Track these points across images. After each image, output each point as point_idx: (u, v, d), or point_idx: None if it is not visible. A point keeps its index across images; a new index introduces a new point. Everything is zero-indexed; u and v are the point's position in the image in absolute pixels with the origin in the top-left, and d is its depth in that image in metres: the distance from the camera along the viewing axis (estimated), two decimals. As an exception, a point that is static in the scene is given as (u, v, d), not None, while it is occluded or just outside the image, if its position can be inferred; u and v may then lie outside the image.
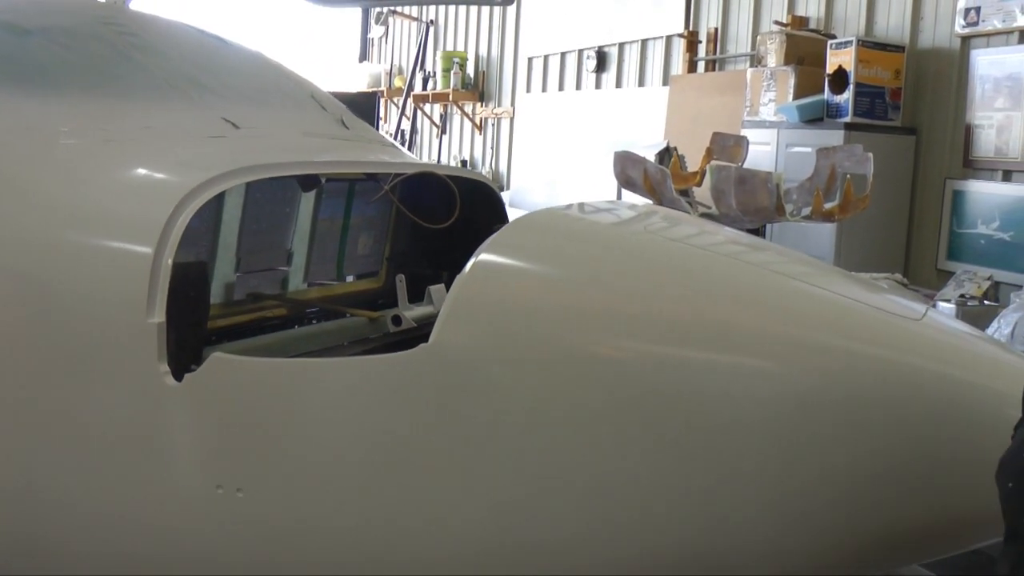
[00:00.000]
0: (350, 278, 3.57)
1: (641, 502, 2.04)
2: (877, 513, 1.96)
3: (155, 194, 2.53)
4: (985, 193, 5.69)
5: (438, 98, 11.82)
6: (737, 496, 2.00)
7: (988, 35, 5.66)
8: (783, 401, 1.96)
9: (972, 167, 5.77)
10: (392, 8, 13.05)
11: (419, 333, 2.82)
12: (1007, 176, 5.57)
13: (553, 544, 2.11)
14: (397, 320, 3.05)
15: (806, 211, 4.59)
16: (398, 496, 2.20)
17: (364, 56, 14.49)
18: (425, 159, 11.70)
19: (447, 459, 2.12)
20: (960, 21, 5.79)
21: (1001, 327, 4.57)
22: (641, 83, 8.90)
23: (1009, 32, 5.52)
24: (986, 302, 5.15)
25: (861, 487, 1.95)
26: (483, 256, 2.16)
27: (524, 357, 2.07)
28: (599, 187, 7.82)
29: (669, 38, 8.53)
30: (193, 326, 2.54)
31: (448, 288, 3.07)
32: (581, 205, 2.58)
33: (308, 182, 3.07)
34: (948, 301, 5.10)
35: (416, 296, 3.20)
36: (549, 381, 2.05)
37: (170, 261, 2.34)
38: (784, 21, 7.00)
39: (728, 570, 2.07)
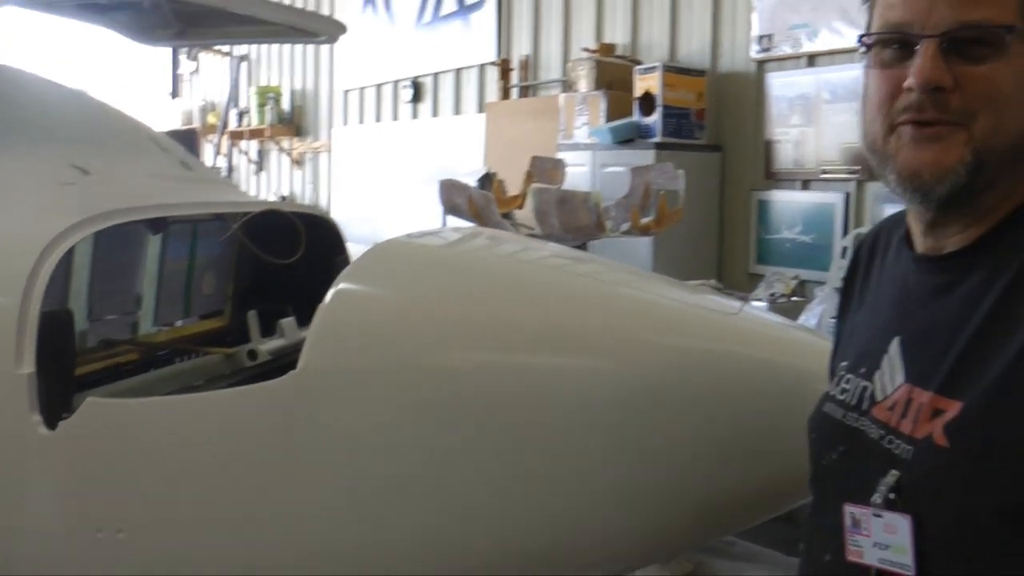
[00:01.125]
0: (196, 318, 3.61)
1: (497, 498, 2.20)
2: (711, 485, 2.16)
3: (16, 244, 2.55)
4: (787, 201, 6.09)
5: (254, 134, 11.66)
6: (583, 485, 2.17)
7: (780, 59, 6.07)
8: (621, 394, 2.15)
9: (774, 178, 6.14)
10: (203, 44, 12.88)
11: (276, 365, 2.92)
12: (805, 185, 5.97)
13: (416, 545, 2.24)
14: (252, 354, 3.13)
15: (625, 227, 4.79)
16: (282, 521, 2.28)
17: (175, 92, 14.18)
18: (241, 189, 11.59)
19: (325, 480, 2.23)
20: (755, 47, 6.19)
21: (808, 318, 4.95)
22: (457, 111, 9.09)
23: (798, 57, 5.95)
24: (794, 298, 5.52)
25: (693, 464, 2.16)
26: (342, 284, 2.28)
27: (387, 374, 2.20)
28: (422, 216, 7.94)
29: (482, 66, 8.73)
30: (62, 374, 2.56)
31: (297, 321, 3.22)
32: (428, 232, 2.75)
33: (157, 224, 3.13)
34: (760, 300, 5.43)
35: (264, 331, 3.27)
36: (413, 394, 2.18)
37: (37, 310, 2.37)
38: (593, 48, 7.24)
39: (579, 555, 2.25)
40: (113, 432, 2.36)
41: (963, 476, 1.27)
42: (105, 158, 3.20)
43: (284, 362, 2.92)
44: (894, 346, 1.46)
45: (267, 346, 3.14)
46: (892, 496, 1.34)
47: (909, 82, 1.33)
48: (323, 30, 4.17)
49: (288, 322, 3.19)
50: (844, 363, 1.60)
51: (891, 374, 1.45)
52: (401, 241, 2.56)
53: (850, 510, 1.40)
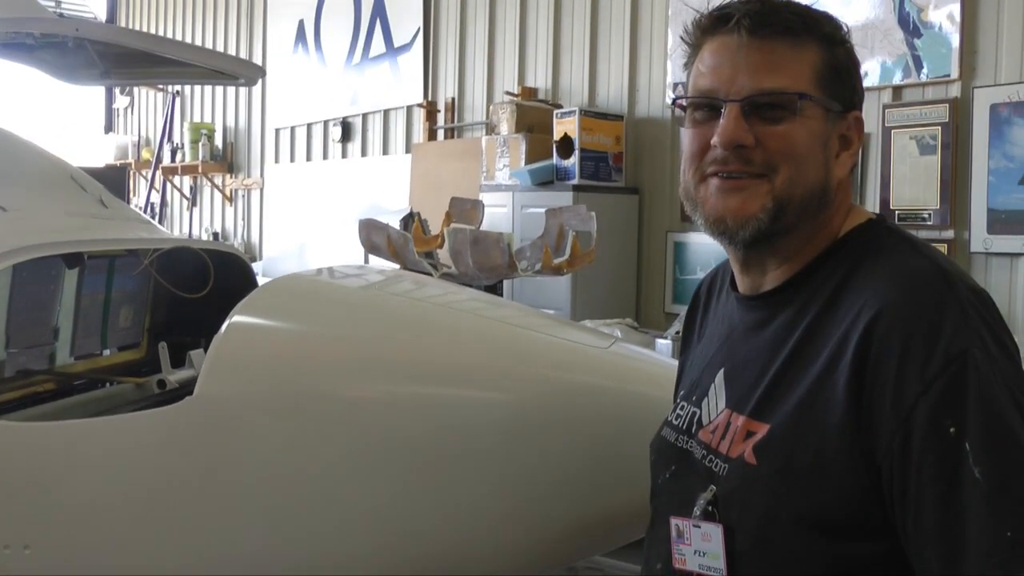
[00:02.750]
0: (113, 350, 3.70)
1: (387, 523, 2.33)
2: (585, 506, 2.33)
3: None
4: (701, 243, 6.26)
5: (187, 170, 11.68)
6: (472, 508, 2.31)
7: (694, 105, 6.24)
8: (503, 423, 2.31)
9: (689, 221, 6.27)
10: (136, 81, 12.85)
11: (181, 393, 3.02)
12: (719, 228, 6.13)
13: (301, 563, 2.35)
14: (162, 384, 3.22)
15: (538, 266, 4.89)
16: (176, 540, 2.38)
17: (109, 127, 14.14)
18: (177, 232, 11.60)
19: (216, 501, 2.34)
20: (670, 94, 6.38)
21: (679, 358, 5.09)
22: (385, 151, 9.21)
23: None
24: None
25: (569, 486, 2.32)
26: (236, 318, 2.41)
27: (275, 403, 2.33)
28: (348, 253, 8.02)
29: (410, 108, 8.86)
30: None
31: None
32: (322, 270, 2.89)
33: (73, 260, 3.23)
34: (666, 338, 5.59)
35: (178, 362, 3.37)
36: (298, 423, 2.31)
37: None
38: (515, 92, 7.44)
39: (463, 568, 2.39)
40: (20, 454, 2.43)
41: (767, 489, 1.44)
42: (24, 195, 3.27)
43: (190, 390, 3.03)
44: (720, 376, 1.64)
45: (176, 376, 3.23)
46: (709, 508, 1.51)
47: (715, 140, 1.52)
48: (242, 73, 4.29)
49: (197, 353, 3.28)
50: (681, 391, 1.81)
51: (716, 401, 1.63)
52: (297, 276, 2.69)
53: (675, 522, 1.57)
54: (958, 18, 4.92)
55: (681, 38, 1.67)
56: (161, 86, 11.82)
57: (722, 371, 1.65)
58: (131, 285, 3.64)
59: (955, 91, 4.95)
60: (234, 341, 2.39)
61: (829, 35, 1.56)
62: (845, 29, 1.60)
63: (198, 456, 2.34)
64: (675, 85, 6.32)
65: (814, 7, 1.61)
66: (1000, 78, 4.80)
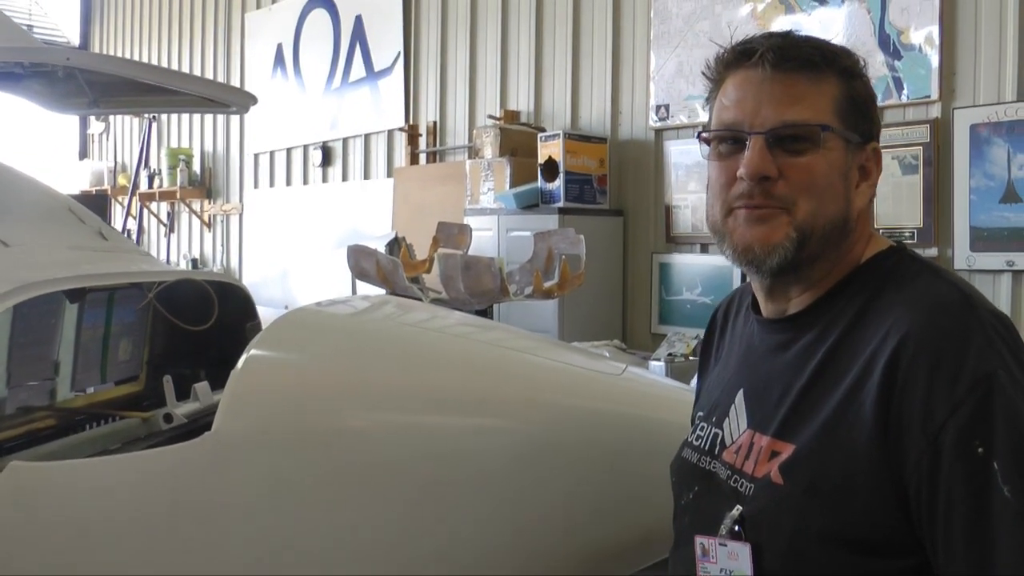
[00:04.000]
0: (112, 383, 3.67)
1: (402, 553, 2.33)
2: (598, 531, 2.34)
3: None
4: (687, 264, 6.31)
5: (165, 196, 11.64)
6: (492, 537, 2.32)
7: (677, 128, 6.33)
8: (517, 450, 2.31)
9: (674, 242, 6.37)
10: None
11: (191, 427, 3.01)
12: (704, 248, 6.19)
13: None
14: (168, 418, 3.20)
15: (528, 290, 4.89)
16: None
17: (84, 153, 14.07)
18: (160, 260, 11.53)
19: (237, 540, 2.32)
20: (653, 116, 6.44)
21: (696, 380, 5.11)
22: (366, 176, 9.21)
23: (694, 126, 6.16)
24: (692, 357, 5.71)
25: (585, 513, 2.33)
26: (253, 352, 2.40)
27: (296, 437, 2.32)
28: (332, 279, 8.02)
29: (391, 132, 8.88)
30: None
31: (211, 384, 3.32)
32: (336, 301, 2.89)
33: (75, 294, 3.22)
34: (658, 360, 5.61)
35: (178, 395, 3.35)
36: (322, 456, 2.31)
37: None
38: (497, 115, 7.45)
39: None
40: (37, 494, 2.41)
41: (794, 508, 1.47)
42: (25, 230, 3.27)
43: (198, 425, 3.01)
44: (739, 397, 1.68)
45: (182, 410, 3.22)
46: (736, 528, 1.54)
47: (741, 172, 1.56)
48: (234, 101, 4.29)
49: (202, 386, 3.28)
50: (700, 413, 1.84)
51: (737, 422, 1.67)
52: (310, 309, 2.69)
53: (700, 541, 1.60)
54: (937, 40, 4.99)
55: (703, 73, 1.71)
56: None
57: (742, 391, 1.69)
58: (130, 318, 3.63)
59: (936, 112, 5.01)
60: (252, 375, 2.38)
61: (848, 68, 1.61)
62: (862, 63, 1.64)
63: (218, 494, 2.33)
64: (657, 107, 6.37)
65: (831, 41, 1.65)
66: (979, 99, 4.87)
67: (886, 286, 1.56)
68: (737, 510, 1.55)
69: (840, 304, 1.58)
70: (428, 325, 2.82)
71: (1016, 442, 1.33)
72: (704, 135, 1.67)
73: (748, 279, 1.75)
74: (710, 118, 1.69)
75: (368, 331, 2.69)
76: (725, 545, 1.55)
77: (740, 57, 1.61)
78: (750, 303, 1.78)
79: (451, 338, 2.74)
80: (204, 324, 3.34)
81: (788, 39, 1.61)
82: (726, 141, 1.62)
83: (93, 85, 4.14)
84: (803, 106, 1.55)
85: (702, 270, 6.20)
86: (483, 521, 2.31)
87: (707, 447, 1.73)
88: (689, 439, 1.82)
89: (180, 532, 2.34)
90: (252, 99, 4.30)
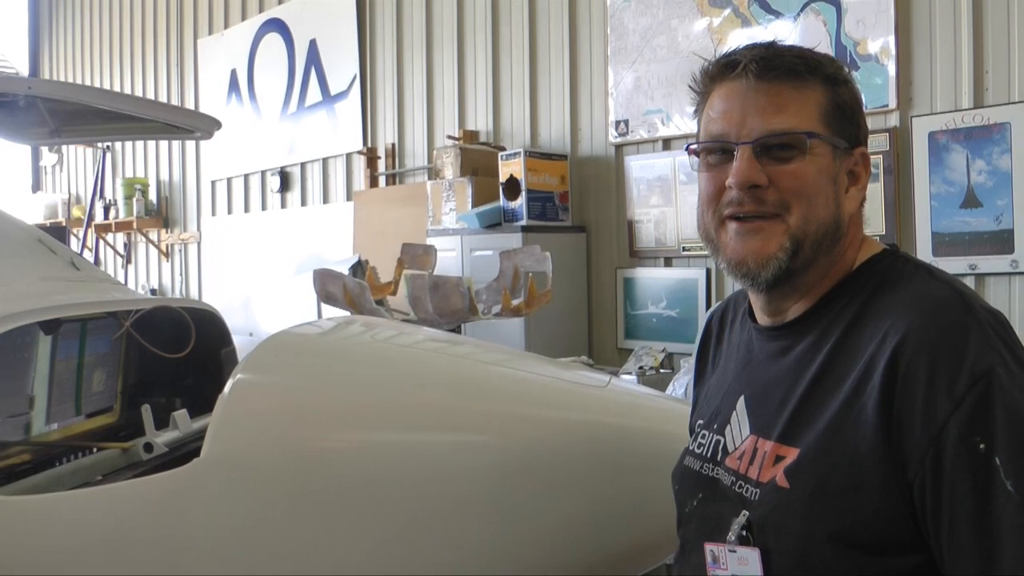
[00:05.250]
0: (85, 416, 3.61)
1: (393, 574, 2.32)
2: (590, 543, 2.34)
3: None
4: (651, 278, 6.32)
5: (121, 227, 11.52)
6: (471, 552, 2.31)
7: (637, 143, 6.35)
8: (506, 466, 2.31)
9: (638, 256, 6.38)
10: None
11: (174, 456, 2.98)
12: (668, 262, 6.21)
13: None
14: (149, 447, 3.16)
15: (496, 309, 4.91)
16: None
17: (37, 186, 13.92)
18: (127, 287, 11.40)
19: (232, 561, 2.30)
20: (613, 132, 6.46)
21: (675, 388, 5.17)
22: (326, 200, 9.18)
23: (654, 141, 6.23)
24: (661, 370, 5.74)
25: (573, 525, 2.33)
26: (240, 376, 2.39)
27: (285, 460, 2.31)
28: (295, 305, 7.97)
29: (349, 155, 8.86)
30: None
31: (190, 412, 3.28)
32: (316, 322, 2.88)
33: (49, 325, 3.18)
34: (629, 373, 5.63)
35: (157, 424, 3.29)
36: (312, 477, 2.29)
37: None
38: (456, 136, 7.46)
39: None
40: (18, 528, 2.36)
41: (801, 511, 1.49)
42: (-1, 264, 3.25)
43: (180, 453, 3.00)
44: (741, 403, 1.71)
45: (162, 438, 3.18)
46: (744, 533, 1.56)
47: (730, 181, 1.60)
48: (199, 126, 4.27)
49: (181, 414, 3.24)
50: (700, 421, 1.86)
51: (739, 428, 1.69)
52: (293, 332, 2.68)
53: (709, 548, 1.62)
54: (893, 50, 5.04)
55: (689, 87, 1.75)
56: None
57: (743, 398, 1.71)
58: (103, 348, 3.59)
59: (894, 120, 5.06)
60: (240, 399, 2.37)
61: (832, 75, 1.64)
62: (847, 70, 1.68)
63: (209, 521, 2.31)
64: (617, 123, 6.40)
65: (813, 50, 1.68)
66: (936, 107, 4.93)
67: (881, 288, 1.58)
68: (744, 515, 1.57)
69: (836, 308, 1.61)
70: (406, 342, 2.83)
71: (1017, 437, 1.35)
72: (693, 147, 1.70)
73: (728, 287, 1.78)
74: (698, 131, 1.72)
75: (351, 351, 2.69)
76: (735, 551, 1.57)
77: (724, 69, 1.65)
78: (746, 310, 1.81)
79: (432, 354, 2.74)
80: (182, 351, 3.31)
81: (771, 49, 1.64)
82: (715, 152, 1.65)
83: (55, 114, 4.11)
84: (788, 114, 1.58)
85: (666, 283, 6.22)
86: (474, 538, 2.31)
87: (709, 454, 1.75)
88: (690, 447, 1.84)
89: (173, 560, 2.32)
90: (217, 124, 4.28)
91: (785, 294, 1.66)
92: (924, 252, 4.93)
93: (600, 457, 2.36)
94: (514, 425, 2.38)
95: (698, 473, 1.76)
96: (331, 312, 5.66)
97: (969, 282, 4.82)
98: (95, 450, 3.35)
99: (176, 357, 3.33)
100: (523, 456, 2.32)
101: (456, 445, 2.36)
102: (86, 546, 2.34)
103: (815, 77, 1.61)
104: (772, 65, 1.60)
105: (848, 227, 1.64)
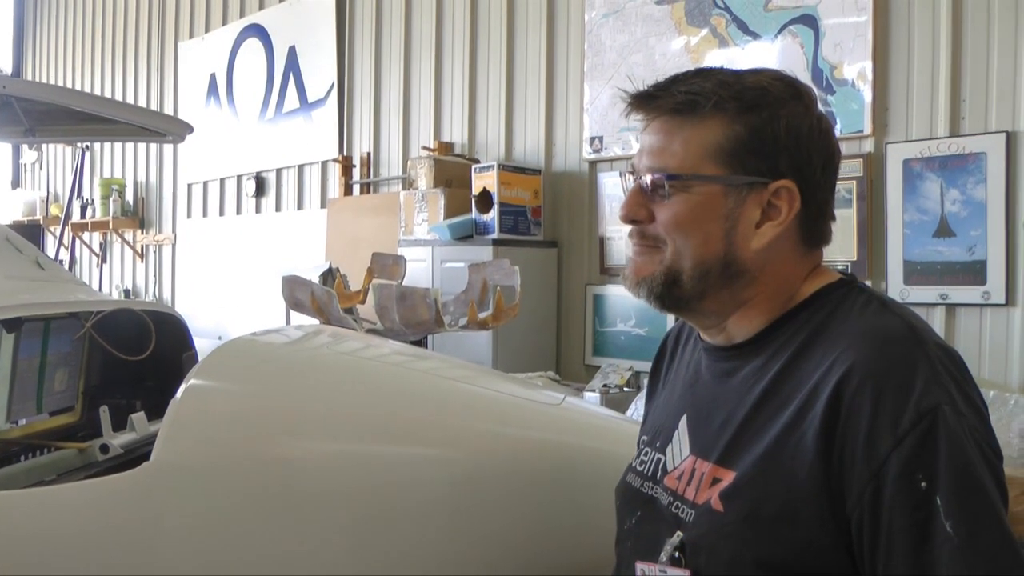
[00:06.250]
0: (47, 414, 3.63)
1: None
2: (538, 560, 2.35)
3: None
4: (621, 296, 6.32)
5: (97, 226, 11.56)
6: (419, 568, 2.32)
7: (611, 160, 6.39)
8: (457, 480, 2.33)
9: (608, 273, 6.41)
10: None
11: (128, 458, 2.98)
12: (637, 281, 6.21)
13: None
14: (105, 448, 3.16)
15: (463, 321, 4.90)
16: None
17: (17, 183, 13.95)
18: (97, 290, 11.39)
19: (175, 567, 2.30)
20: (587, 148, 6.49)
21: (637, 408, 5.18)
22: (300, 206, 9.20)
23: (628, 158, 6.16)
24: (626, 389, 5.76)
25: (524, 542, 2.34)
26: (192, 381, 2.39)
27: (236, 467, 2.31)
28: (266, 310, 7.98)
29: (325, 163, 8.88)
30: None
31: (147, 415, 3.30)
32: (274, 330, 2.89)
33: (11, 323, 3.19)
34: (593, 391, 5.65)
35: (115, 425, 3.30)
36: (262, 486, 2.29)
37: None
38: (431, 147, 7.49)
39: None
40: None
41: (733, 535, 1.48)
42: (-37, 262, 3.25)
43: (135, 455, 2.99)
44: (683, 423, 1.71)
45: (119, 440, 3.18)
46: (676, 554, 1.56)
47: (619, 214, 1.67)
48: (170, 130, 4.29)
49: (138, 417, 3.24)
50: (644, 438, 1.87)
51: (680, 447, 1.69)
52: (249, 339, 2.69)
53: (641, 567, 1.62)
54: (870, 76, 5.07)
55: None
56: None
57: (684, 417, 1.71)
58: (66, 348, 3.60)
59: (868, 146, 5.09)
60: (192, 405, 2.37)
61: (751, 104, 1.59)
62: (787, 97, 1.61)
63: (156, 525, 2.30)
64: (591, 139, 6.43)
65: (741, 72, 1.65)
66: (911, 134, 4.95)
67: (832, 317, 1.57)
68: (678, 536, 1.56)
69: (787, 334, 1.60)
70: (365, 354, 2.83)
71: (959, 477, 1.33)
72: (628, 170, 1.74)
73: None
74: None
75: (306, 360, 2.70)
76: (665, 572, 1.56)
77: (635, 102, 1.65)
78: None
79: (389, 367, 2.75)
80: (141, 354, 3.32)
81: (680, 80, 1.62)
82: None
83: (29, 113, 4.12)
84: (666, 155, 1.59)
85: (636, 302, 6.05)
86: (421, 551, 2.32)
87: (650, 472, 1.75)
88: (633, 464, 1.85)
89: (116, 563, 2.32)
90: (188, 128, 4.29)
91: (694, 318, 1.71)
92: (895, 280, 4.96)
93: (549, 474, 2.36)
94: (465, 439, 2.40)
95: (638, 491, 1.76)
96: (299, 319, 5.66)
97: (940, 312, 4.85)
98: (53, 449, 3.35)
99: (135, 359, 3.34)
100: (471, 470, 2.33)
101: (406, 456, 2.37)
102: (30, 546, 2.34)
103: (718, 111, 1.58)
104: (668, 100, 1.60)
105: (755, 262, 1.61)
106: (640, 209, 1.61)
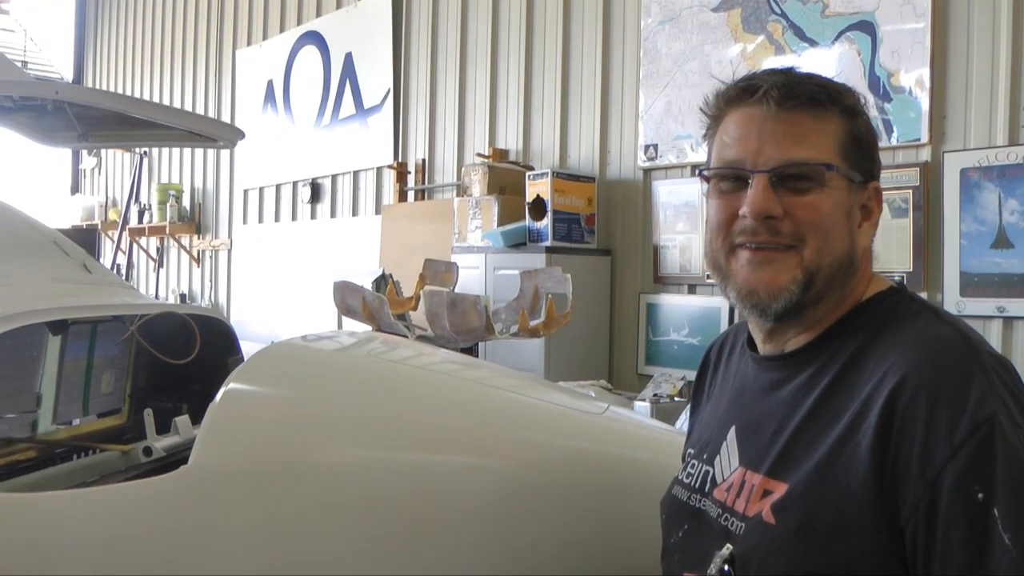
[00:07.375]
0: (95, 416, 3.65)
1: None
2: (580, 571, 2.31)
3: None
4: (674, 305, 6.28)
5: (154, 231, 11.68)
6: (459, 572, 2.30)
7: (666, 168, 6.33)
8: (497, 489, 2.29)
9: (662, 282, 6.35)
10: (102, 142, 12.80)
11: (170, 461, 2.98)
12: (692, 289, 6.17)
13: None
14: (148, 451, 3.17)
15: (514, 329, 4.89)
16: None
17: (76, 188, 14.14)
18: (144, 293, 11.56)
19: (206, 568, 2.30)
20: (642, 156, 6.44)
21: (686, 418, 5.11)
22: (355, 212, 9.21)
23: (683, 167, 6.19)
24: (677, 399, 5.69)
25: (567, 552, 2.30)
26: (232, 385, 2.38)
27: (273, 472, 2.30)
28: (319, 315, 8.01)
29: (379, 169, 8.90)
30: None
31: (192, 418, 3.29)
32: (315, 335, 2.87)
33: (57, 326, 3.21)
34: (644, 400, 5.59)
35: (161, 428, 3.32)
36: (299, 492, 2.27)
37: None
38: (486, 154, 7.47)
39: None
40: (13, 524, 2.36)
41: (785, 548, 1.45)
42: (8, 262, 3.26)
43: (177, 458, 2.99)
44: (731, 434, 1.67)
45: (162, 443, 3.19)
46: (726, 568, 1.52)
47: (744, 210, 1.55)
48: (222, 136, 4.29)
49: (182, 420, 3.25)
50: (691, 450, 1.83)
51: (729, 459, 1.65)
52: (290, 343, 2.68)
53: None
54: (927, 83, 4.98)
55: (701, 109, 1.70)
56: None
57: (733, 429, 1.67)
58: (112, 351, 3.61)
59: (925, 155, 5.00)
60: (230, 409, 2.36)
61: (851, 107, 1.60)
62: (863, 101, 1.64)
63: (193, 528, 2.30)
64: (646, 147, 6.38)
65: (832, 79, 1.64)
66: (969, 143, 4.86)
67: (885, 326, 1.54)
68: (727, 549, 1.54)
69: (838, 343, 1.57)
70: (412, 362, 2.81)
71: (1017, 487, 1.30)
72: (704, 173, 1.66)
73: (743, 318, 1.74)
74: (709, 155, 1.68)
75: (350, 366, 2.67)
76: None
77: (743, 93, 1.60)
78: (745, 340, 1.77)
79: (434, 375, 2.72)
80: (186, 358, 3.32)
81: (791, 76, 1.60)
82: (728, 179, 1.61)
83: (82, 119, 4.15)
84: (807, 144, 1.54)
85: (689, 311, 6.18)
86: (464, 561, 2.29)
87: (697, 485, 1.71)
88: (679, 476, 1.81)
89: (154, 566, 2.32)
90: (240, 134, 4.30)
91: (790, 325, 1.62)
92: (951, 291, 4.86)
93: (591, 484, 2.32)
94: (507, 448, 2.36)
95: (684, 503, 1.73)
96: (351, 324, 5.66)
97: (997, 325, 4.75)
98: (97, 451, 3.36)
99: (179, 363, 3.34)
100: (512, 479, 2.29)
101: (447, 466, 2.34)
102: (70, 545, 2.34)
103: (834, 107, 1.57)
104: (793, 93, 1.56)
105: (860, 262, 1.61)
106: (775, 204, 1.54)
